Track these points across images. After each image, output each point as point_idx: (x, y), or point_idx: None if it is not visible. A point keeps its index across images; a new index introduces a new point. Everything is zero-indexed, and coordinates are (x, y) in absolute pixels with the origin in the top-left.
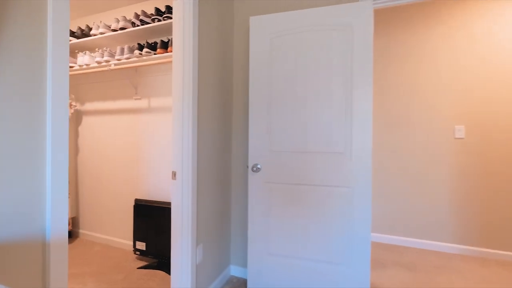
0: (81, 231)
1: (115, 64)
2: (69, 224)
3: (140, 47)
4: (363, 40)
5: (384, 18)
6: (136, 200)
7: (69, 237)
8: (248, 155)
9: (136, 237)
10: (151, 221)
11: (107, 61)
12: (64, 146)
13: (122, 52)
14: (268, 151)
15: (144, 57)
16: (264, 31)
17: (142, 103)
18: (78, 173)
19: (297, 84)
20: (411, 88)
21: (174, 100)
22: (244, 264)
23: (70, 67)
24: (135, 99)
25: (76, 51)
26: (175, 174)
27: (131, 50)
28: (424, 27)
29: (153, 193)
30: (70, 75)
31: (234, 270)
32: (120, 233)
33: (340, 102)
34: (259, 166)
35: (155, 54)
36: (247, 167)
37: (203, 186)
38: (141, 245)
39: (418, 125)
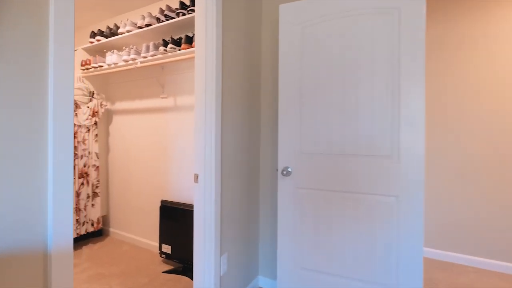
0: (111, 229)
1: (141, 62)
2: (98, 223)
3: (165, 44)
4: (414, 26)
5: (438, 4)
6: (162, 202)
7: (99, 235)
8: (278, 157)
9: (162, 239)
10: (177, 223)
11: (133, 59)
12: (67, 146)
13: (147, 50)
14: (299, 153)
15: (169, 54)
16: (295, 20)
17: (169, 101)
18: (108, 172)
19: (332, 78)
20: (473, 83)
21: (196, 98)
22: (273, 275)
23: (100, 66)
24: (162, 97)
25: (105, 50)
26: (197, 177)
27: (156, 47)
28: (491, 13)
29: (179, 194)
30: (100, 74)
31: (263, 282)
32: (147, 234)
33: (385, 97)
34: (289, 170)
35: (179, 50)
36: (277, 170)
37: (228, 190)
38: (167, 248)
39: (482, 124)
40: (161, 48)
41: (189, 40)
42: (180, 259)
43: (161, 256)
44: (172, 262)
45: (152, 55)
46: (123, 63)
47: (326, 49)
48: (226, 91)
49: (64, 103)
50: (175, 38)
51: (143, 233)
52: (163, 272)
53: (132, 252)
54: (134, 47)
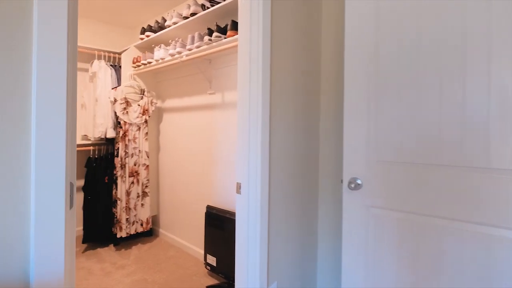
0: (161, 230)
1: (186, 55)
2: (148, 223)
3: (210, 33)
4: None
5: None
6: (208, 207)
7: (149, 236)
8: (343, 166)
9: (207, 249)
10: (223, 233)
11: (179, 53)
12: (56, 158)
13: (192, 41)
14: (373, 161)
15: (214, 43)
16: None
17: (216, 98)
18: (159, 172)
19: (419, 64)
20: None
21: (239, 93)
22: None
23: (149, 62)
24: (209, 93)
25: (153, 45)
26: (239, 186)
27: (201, 37)
28: None
29: (226, 200)
30: (150, 71)
31: None
32: (193, 240)
33: (506, 88)
34: (359, 182)
35: (225, 38)
36: (341, 182)
37: (278, 204)
38: (212, 260)
39: None
40: (206, 38)
41: (236, 26)
42: (226, 275)
43: (206, 268)
44: (217, 276)
45: (197, 47)
46: (170, 57)
47: (411, 27)
48: (276, 84)
49: (50, 97)
50: (221, 26)
51: (189, 238)
52: (207, 287)
53: (178, 258)
54: (180, 39)
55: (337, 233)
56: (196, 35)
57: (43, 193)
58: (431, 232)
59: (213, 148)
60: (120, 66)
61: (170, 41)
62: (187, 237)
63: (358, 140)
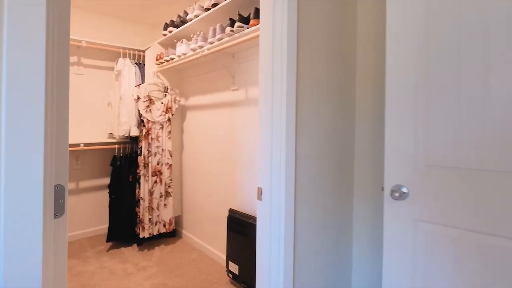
0: (184, 231)
1: (207, 49)
2: (170, 224)
3: (232, 23)
4: None
5: None
6: (230, 211)
7: (172, 236)
8: (384, 171)
9: (229, 255)
10: (246, 240)
11: (200, 47)
12: (31, 147)
13: (214, 33)
14: (422, 165)
15: (236, 34)
16: None
17: (239, 94)
18: (182, 171)
19: (480, 48)
20: None
21: (260, 88)
22: None
23: (171, 59)
24: (233, 90)
25: (175, 40)
26: (261, 191)
27: (223, 29)
28: None
29: (250, 205)
30: (173, 68)
31: None
32: (216, 244)
33: None
34: (404, 191)
35: (248, 28)
36: (382, 189)
37: (304, 214)
38: (234, 268)
39: None
40: (228, 29)
41: (259, 14)
42: (249, 285)
43: (228, 275)
44: (240, 286)
45: (219, 39)
46: (191, 52)
47: (472, 8)
48: (303, 77)
49: (26, 96)
50: (244, 15)
51: (212, 241)
52: None
53: (200, 262)
54: (201, 33)
55: (376, 248)
56: (217, 27)
57: (13, 199)
58: (500, 256)
59: (236, 148)
60: (144, 64)
61: (191, 35)
62: (210, 241)
63: (403, 140)
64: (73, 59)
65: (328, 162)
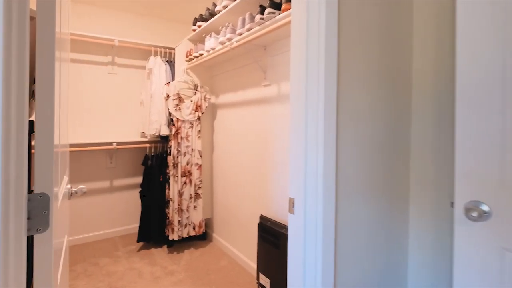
0: (214, 235)
1: (236, 41)
2: (200, 227)
3: (262, 10)
4: None
5: None
6: (261, 218)
7: (202, 239)
8: (455, 182)
9: (260, 267)
10: (278, 252)
11: (229, 39)
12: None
13: (243, 24)
14: (510, 176)
15: (267, 22)
16: None
17: (272, 90)
18: (213, 172)
19: None
20: None
21: (292, 85)
22: None
23: (200, 55)
24: (264, 85)
25: (204, 35)
26: (293, 203)
27: (252, 18)
28: None
29: (283, 213)
30: (203, 65)
31: None
32: (246, 251)
33: None
34: (485, 209)
35: (280, 14)
36: (451, 205)
37: (346, 234)
38: (265, 281)
39: None
40: (257, 18)
41: None
42: None
43: None
44: None
45: (248, 29)
46: (220, 46)
47: None
48: (345, 68)
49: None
50: (275, 1)
51: (243, 248)
52: None
53: (229, 270)
54: (230, 24)
55: (443, 279)
56: (247, 16)
57: None
58: None
59: (269, 148)
60: (174, 61)
61: (220, 27)
62: (240, 247)
63: (482, 144)
64: (107, 58)
65: (376, 170)
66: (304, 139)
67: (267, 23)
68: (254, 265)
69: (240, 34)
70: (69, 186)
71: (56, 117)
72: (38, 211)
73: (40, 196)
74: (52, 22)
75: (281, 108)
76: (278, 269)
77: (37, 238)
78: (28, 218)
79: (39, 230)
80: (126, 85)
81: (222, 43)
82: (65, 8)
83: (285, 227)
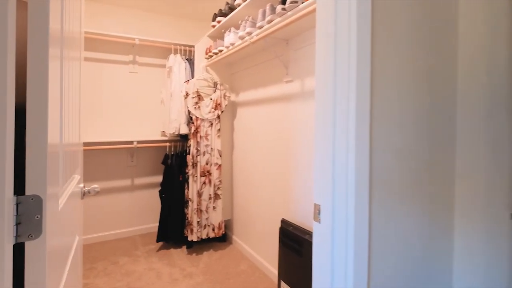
0: (234, 237)
1: (256, 35)
2: (220, 228)
3: (284, 0)
4: None
5: None
6: (283, 222)
7: (222, 241)
8: None
9: (281, 274)
10: (300, 259)
11: (249, 33)
12: None
13: (263, 16)
14: None
15: (289, 12)
16: None
17: (294, 86)
18: (233, 172)
19: None
20: None
21: (317, 80)
22: None
23: (219, 51)
24: (286, 81)
25: (223, 30)
26: (318, 210)
27: (273, 10)
28: None
29: (307, 217)
30: (223, 62)
31: None
32: (267, 256)
33: None
34: None
35: (303, 2)
36: (511, 217)
37: (381, 248)
38: None
39: None
40: (279, 8)
41: None
42: None
43: None
44: None
45: (269, 21)
46: (240, 41)
47: None
48: (380, 62)
49: None
50: None
51: (263, 252)
52: None
53: (249, 275)
54: (250, 18)
55: None
56: (267, 7)
57: None
58: None
59: (292, 148)
60: (194, 59)
61: (239, 21)
62: (261, 251)
63: None
64: (128, 57)
65: (415, 176)
66: (331, 139)
67: (289, 13)
68: (275, 271)
69: (260, 27)
70: (81, 185)
71: (55, 115)
72: (30, 216)
73: (32, 199)
74: (45, 9)
75: (305, 105)
76: (301, 278)
77: (28, 245)
78: (19, 223)
79: (31, 236)
80: (147, 84)
81: (241, 37)
82: (74, 5)
83: (308, 233)
